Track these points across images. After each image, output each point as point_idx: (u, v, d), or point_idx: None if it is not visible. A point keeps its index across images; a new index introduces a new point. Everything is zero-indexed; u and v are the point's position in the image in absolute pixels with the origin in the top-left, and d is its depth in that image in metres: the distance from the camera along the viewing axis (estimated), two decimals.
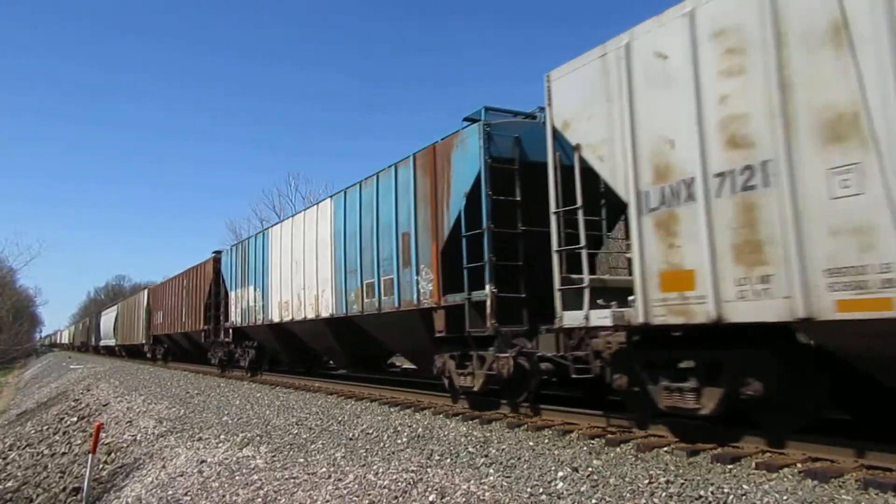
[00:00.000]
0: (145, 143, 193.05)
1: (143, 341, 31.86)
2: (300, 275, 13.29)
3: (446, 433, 7.53)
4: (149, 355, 31.67)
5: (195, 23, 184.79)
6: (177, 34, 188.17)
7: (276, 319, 14.50)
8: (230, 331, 18.43)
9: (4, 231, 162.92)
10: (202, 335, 21.12)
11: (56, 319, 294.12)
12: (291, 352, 15.79)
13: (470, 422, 8.13)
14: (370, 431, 8.19)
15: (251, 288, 16.33)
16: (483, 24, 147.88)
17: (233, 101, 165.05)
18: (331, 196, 12.41)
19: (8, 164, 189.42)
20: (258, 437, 8.89)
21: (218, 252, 21.06)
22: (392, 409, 9.71)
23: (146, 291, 32.75)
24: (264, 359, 17.73)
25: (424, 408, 9.41)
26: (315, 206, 13.13)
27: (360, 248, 10.82)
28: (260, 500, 6.47)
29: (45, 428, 16.66)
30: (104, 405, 16.51)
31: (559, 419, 7.68)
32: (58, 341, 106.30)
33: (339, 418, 9.36)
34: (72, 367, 36.45)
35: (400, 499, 5.64)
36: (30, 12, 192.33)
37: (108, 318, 46.62)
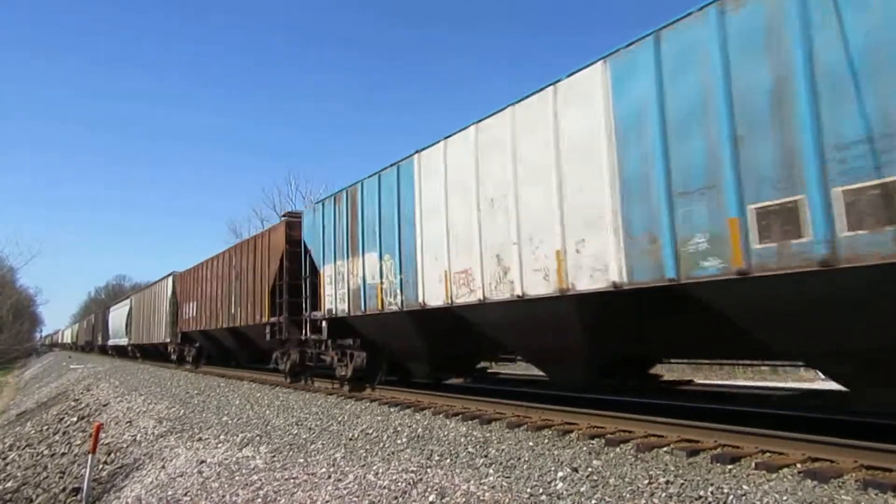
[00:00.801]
0: (145, 142, 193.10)
1: (167, 340, 25.87)
2: (504, 220, 7.55)
3: (446, 433, 7.53)
4: (174, 357, 25.72)
5: (197, 24, 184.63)
6: (177, 35, 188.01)
7: (437, 302, 8.78)
8: (322, 324, 12.54)
9: (4, 230, 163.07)
10: (266, 331, 15.06)
11: (56, 319, 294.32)
12: (438, 352, 10.31)
13: (470, 422, 8.12)
14: (370, 432, 8.19)
15: (371, 257, 10.49)
16: (479, 29, 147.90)
17: (233, 101, 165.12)
18: (602, 58, 6.44)
19: (8, 164, 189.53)
20: (258, 438, 8.89)
21: (293, 214, 15.09)
22: (392, 410, 9.70)
23: (171, 279, 25.96)
24: (379, 365, 11.91)
25: (424, 408, 9.40)
26: (549, 89, 7.08)
27: (733, 137, 5.12)
28: (260, 500, 6.47)
29: (45, 428, 16.66)
30: (104, 405, 16.52)
31: (559, 419, 7.68)
32: (59, 341, 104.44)
33: (339, 418, 9.36)
34: (72, 366, 36.46)
35: (400, 499, 5.63)
36: (28, 10, 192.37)
37: (118, 314, 40.64)
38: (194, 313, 22.14)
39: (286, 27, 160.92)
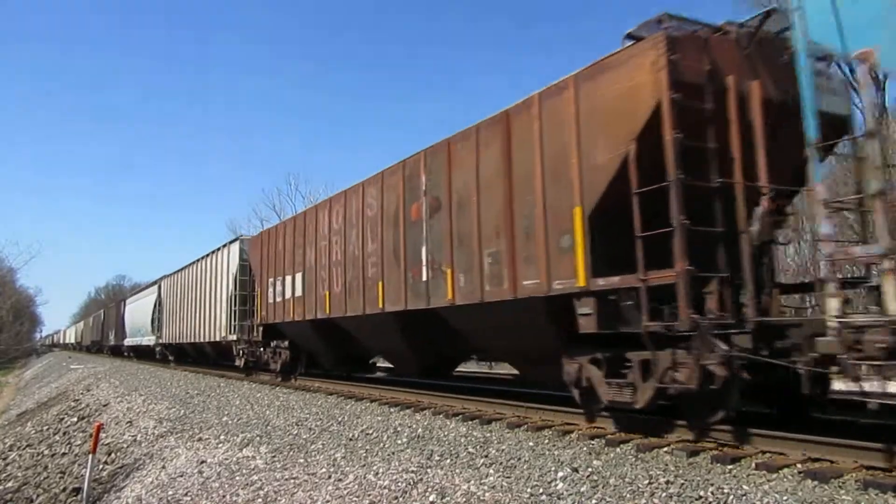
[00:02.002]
0: (144, 141, 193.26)
1: (231, 337, 17.80)
2: None
3: (446, 433, 7.53)
4: (240, 362, 17.49)
5: (196, 15, 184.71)
6: (178, 25, 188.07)
7: None
8: None
9: (4, 230, 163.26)
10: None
11: (56, 319, 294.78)
12: None
13: (470, 422, 8.12)
14: (370, 432, 8.19)
15: None
16: (483, 22, 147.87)
17: (232, 97, 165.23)
18: None
19: (7, 163, 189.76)
20: (258, 438, 8.90)
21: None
22: (392, 410, 9.70)
23: (236, 246, 18.37)
24: None
25: (424, 408, 9.40)
26: None
27: None
28: (260, 500, 6.48)
29: (46, 428, 16.67)
30: (104, 405, 16.53)
31: (559, 419, 7.68)
32: (60, 341, 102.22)
33: (339, 419, 9.36)
34: (72, 367, 36.46)
35: (400, 499, 5.64)
36: (30, 2, 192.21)
37: (139, 307, 32.80)
38: (297, 292, 13.43)
39: (289, 18, 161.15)
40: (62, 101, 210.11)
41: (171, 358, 27.19)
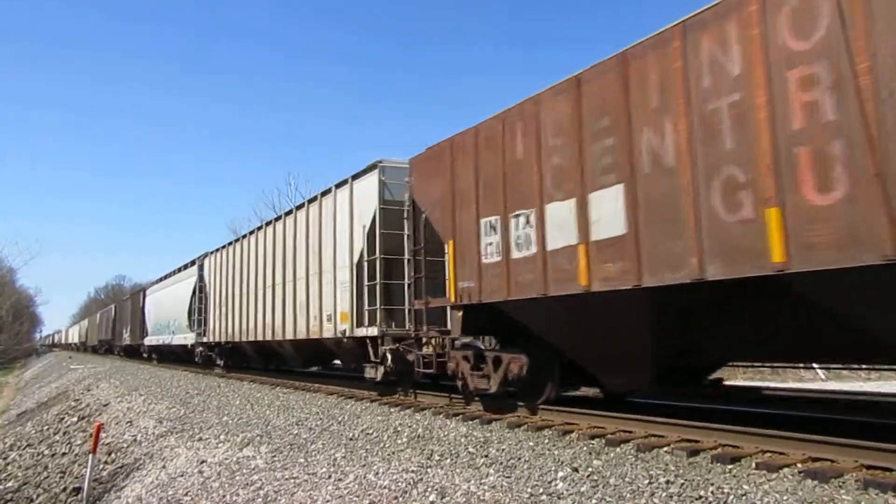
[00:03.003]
0: (144, 141, 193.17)
1: (368, 332, 10.61)
2: None
3: (446, 433, 7.53)
4: (375, 375, 10.55)
5: (201, 12, 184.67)
6: (177, 22, 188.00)
7: None
8: None
9: (4, 230, 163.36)
10: None
11: (56, 319, 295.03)
12: None
13: (470, 422, 8.12)
14: (370, 432, 8.19)
15: None
16: (484, 18, 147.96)
17: (233, 95, 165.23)
18: None
19: (6, 164, 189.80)
20: (258, 438, 8.90)
21: None
22: (392, 410, 9.70)
23: (374, 178, 10.59)
24: None
25: (424, 408, 9.41)
26: None
27: None
28: (260, 500, 6.48)
29: (46, 428, 16.68)
30: (104, 405, 16.53)
31: (559, 419, 7.68)
32: (61, 341, 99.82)
33: (339, 418, 9.36)
34: (72, 367, 36.46)
35: (400, 499, 5.64)
36: (27, 1, 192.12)
37: (167, 296, 26.03)
38: (600, 232, 6.24)
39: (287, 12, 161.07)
40: (63, 100, 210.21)
41: (219, 363, 19.81)
